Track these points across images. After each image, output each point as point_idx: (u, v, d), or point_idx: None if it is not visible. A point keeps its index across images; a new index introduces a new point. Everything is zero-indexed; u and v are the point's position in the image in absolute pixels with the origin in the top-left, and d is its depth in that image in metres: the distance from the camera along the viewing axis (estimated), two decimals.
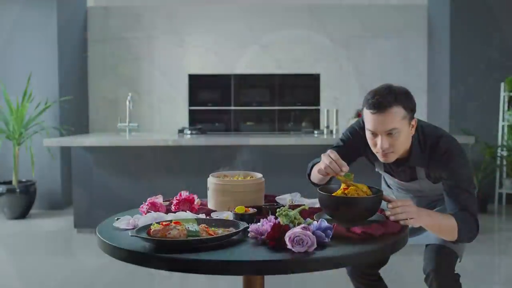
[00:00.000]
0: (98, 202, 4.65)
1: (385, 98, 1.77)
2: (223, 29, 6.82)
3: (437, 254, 1.95)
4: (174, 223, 1.47)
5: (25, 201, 5.56)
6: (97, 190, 4.65)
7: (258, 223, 1.51)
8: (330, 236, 1.46)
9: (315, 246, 1.39)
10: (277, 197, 2.09)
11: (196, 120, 6.84)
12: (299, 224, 1.50)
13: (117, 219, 1.77)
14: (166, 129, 6.69)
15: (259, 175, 2.02)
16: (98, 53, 6.86)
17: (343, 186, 1.69)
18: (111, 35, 6.83)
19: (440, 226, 1.76)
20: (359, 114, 4.78)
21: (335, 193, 1.67)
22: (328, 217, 1.67)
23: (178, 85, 6.86)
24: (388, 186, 2.28)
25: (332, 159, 1.70)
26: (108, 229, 1.68)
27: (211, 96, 6.85)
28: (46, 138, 5.06)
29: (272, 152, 4.51)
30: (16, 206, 5.48)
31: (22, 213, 5.54)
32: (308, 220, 1.53)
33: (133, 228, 1.63)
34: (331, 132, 5.05)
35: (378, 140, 1.80)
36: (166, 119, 6.86)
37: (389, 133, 1.78)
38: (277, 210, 1.55)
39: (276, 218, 1.53)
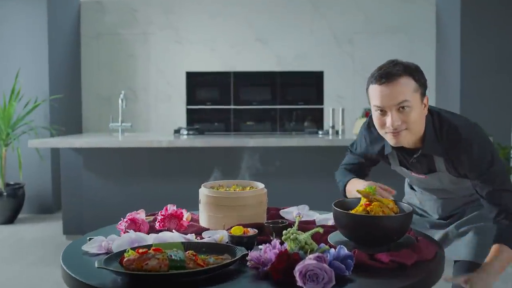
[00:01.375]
0: (89, 207, 4.35)
1: (393, 68, 1.60)
2: (222, 25, 6.54)
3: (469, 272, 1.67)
4: (154, 250, 1.17)
5: (12, 205, 5.26)
6: (87, 194, 4.34)
7: (260, 248, 1.21)
8: (352, 268, 1.15)
9: (333, 282, 1.08)
10: (282, 210, 1.79)
11: (194, 120, 6.55)
12: (311, 251, 1.19)
13: (89, 239, 1.46)
14: (163, 129, 6.42)
15: (260, 185, 1.72)
16: (92, 50, 6.58)
17: (363, 200, 1.38)
18: (106, 30, 6.55)
19: (506, 262, 1.56)
20: (366, 113, 4.47)
21: (355, 209, 1.36)
22: (345, 238, 1.37)
23: (175, 83, 6.58)
24: (412, 188, 1.99)
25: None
26: (76, 253, 1.37)
27: (209, 94, 6.56)
28: (35, 138, 4.76)
29: (274, 154, 4.21)
30: (3, 210, 5.18)
31: (10, 218, 5.24)
32: (323, 246, 1.22)
33: (106, 253, 1.33)
34: (337, 132, 4.75)
35: (388, 118, 1.57)
36: (162, 119, 6.58)
37: (400, 108, 1.56)
38: (284, 232, 1.24)
39: (282, 242, 1.23)
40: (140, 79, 6.59)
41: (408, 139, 1.60)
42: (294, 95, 6.55)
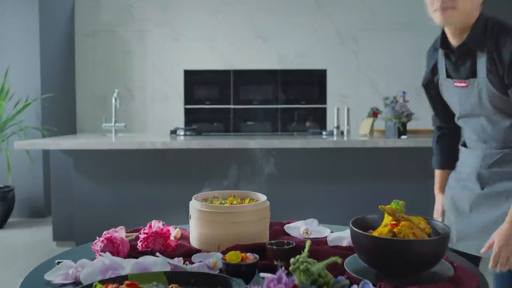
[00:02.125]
0: (79, 212, 4.10)
1: None
2: (221, 21, 6.30)
3: None
4: (127, 285, 0.92)
5: (2, 208, 5.02)
6: (78, 198, 4.09)
7: (262, 278, 0.97)
8: None
9: None
10: (287, 225, 1.54)
11: (192, 120, 6.31)
12: (326, 285, 0.95)
13: (58, 262, 1.21)
14: (160, 130, 6.19)
15: (262, 196, 1.47)
16: (87, 47, 6.34)
17: (388, 219, 1.13)
18: (101, 27, 6.32)
19: None
20: (374, 113, 4.22)
21: (378, 230, 1.11)
22: (365, 264, 1.12)
23: (173, 81, 6.34)
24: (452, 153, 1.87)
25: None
26: (38, 283, 1.13)
27: (208, 93, 6.32)
28: (25, 139, 4.52)
29: (275, 157, 3.96)
30: None
31: (0, 222, 5.01)
32: (341, 280, 0.97)
33: (73, 284, 1.08)
34: (342, 133, 4.49)
35: None
36: (159, 119, 6.35)
37: None
38: (291, 261, 0.99)
39: (289, 273, 0.98)
40: (136, 78, 6.36)
41: (456, 20, 1.61)
42: (296, 94, 6.32)
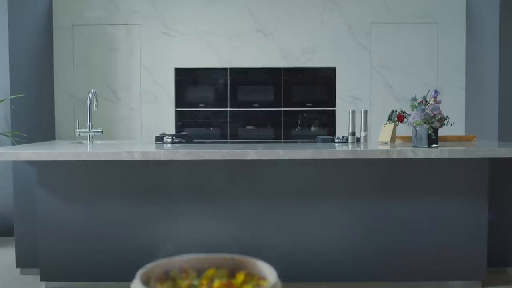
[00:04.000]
0: (45, 234, 3.40)
1: None
2: (218, 14, 5.66)
3: None
4: None
5: None
6: (42, 217, 3.39)
7: None
8: None
9: None
10: None
11: (185, 124, 5.64)
12: None
13: None
14: (149, 136, 5.53)
15: (268, 269, 0.77)
16: (66, 43, 5.69)
17: None
18: (82, 21, 5.69)
19: None
20: (400, 117, 3.52)
21: None
22: None
23: (163, 81, 5.70)
24: None
25: None
26: None
27: (202, 95, 5.67)
28: None
29: (281, 170, 3.26)
30: None
31: None
32: None
33: None
34: (358, 140, 3.80)
35: None
36: (148, 123, 5.67)
37: None
38: None
39: None
40: (121, 77, 5.70)
41: None
42: (302, 95, 5.66)
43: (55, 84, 5.69)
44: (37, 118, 5.28)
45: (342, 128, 5.56)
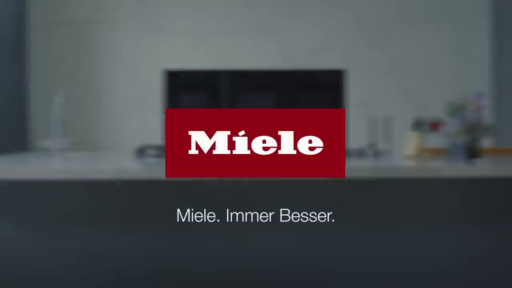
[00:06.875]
0: None
1: None
2: (213, 10, 5.31)
3: None
4: None
5: None
6: None
7: None
8: None
9: None
10: None
11: None
12: None
13: None
14: (134, 144, 5.18)
15: None
16: (43, 42, 5.31)
17: None
18: (61, 17, 5.29)
19: None
20: (433, 125, 2.91)
21: None
22: None
23: (151, 85, 5.32)
24: None
25: None
26: None
27: (195, 100, 5.33)
28: None
29: (283, 190, 2.66)
30: None
31: None
32: None
33: None
34: (376, 153, 3.20)
35: None
36: (133, 133, 5.33)
37: None
38: None
39: None
40: (105, 80, 5.33)
41: None
42: (307, 101, 5.32)
43: (30, 88, 5.26)
44: (7, 126, 4.78)
45: (353, 137, 5.13)
